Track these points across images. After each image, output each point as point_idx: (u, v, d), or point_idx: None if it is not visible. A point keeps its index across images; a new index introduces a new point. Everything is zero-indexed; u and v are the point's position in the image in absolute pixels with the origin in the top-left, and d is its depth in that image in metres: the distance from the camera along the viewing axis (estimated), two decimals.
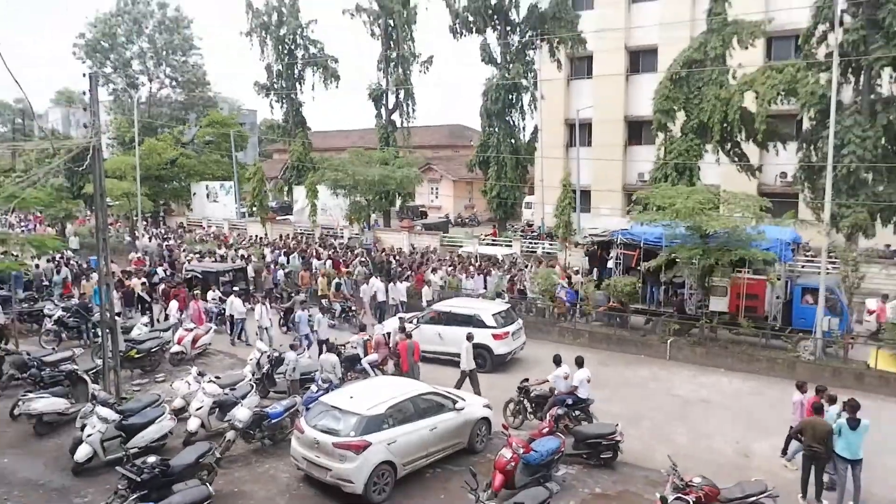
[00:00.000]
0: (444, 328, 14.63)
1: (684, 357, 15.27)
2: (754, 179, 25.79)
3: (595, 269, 18.86)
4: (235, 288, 18.06)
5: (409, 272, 21.63)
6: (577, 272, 20.30)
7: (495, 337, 14.14)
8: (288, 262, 23.55)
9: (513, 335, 14.71)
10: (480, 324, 14.29)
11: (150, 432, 9.99)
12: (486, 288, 19.64)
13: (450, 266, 22.11)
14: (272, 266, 22.46)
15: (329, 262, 23.14)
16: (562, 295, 18.07)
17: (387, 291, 18.54)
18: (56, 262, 21.52)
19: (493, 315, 14.63)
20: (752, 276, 15.55)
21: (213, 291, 18.12)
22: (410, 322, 14.71)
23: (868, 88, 20.17)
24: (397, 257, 24.62)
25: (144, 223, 38.30)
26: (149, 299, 18.45)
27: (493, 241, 29.06)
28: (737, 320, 15.40)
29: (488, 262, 22.82)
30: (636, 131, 33.51)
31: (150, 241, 30.53)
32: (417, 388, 10.20)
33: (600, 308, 17.44)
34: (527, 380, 11.70)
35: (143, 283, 18.86)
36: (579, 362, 11.20)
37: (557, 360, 11.38)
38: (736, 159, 24.12)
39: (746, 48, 22.43)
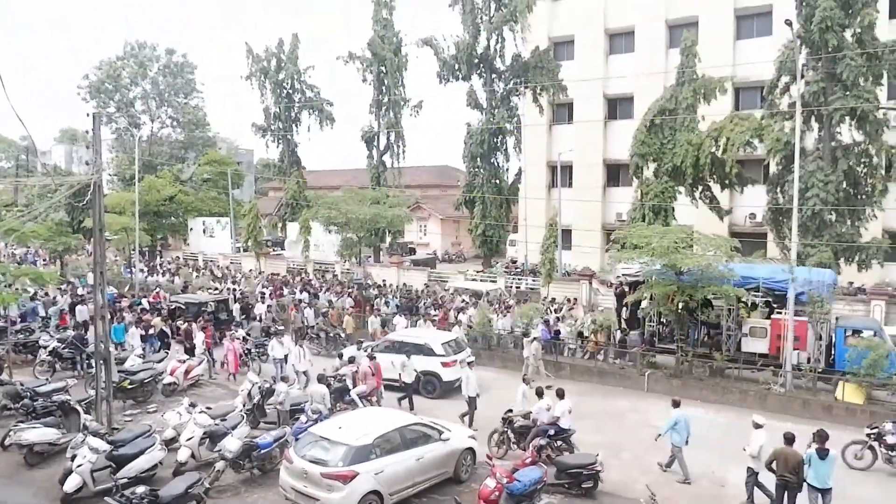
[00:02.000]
0: (396, 356, 15.11)
1: (661, 389, 15.59)
2: (726, 218, 26.83)
3: (624, 309, 18.09)
4: (221, 317, 18.08)
5: (434, 311, 21.47)
6: (601, 310, 20.21)
7: (444, 365, 14.69)
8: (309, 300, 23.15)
9: (460, 363, 15.12)
10: (430, 352, 14.84)
11: (141, 462, 9.96)
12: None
13: (475, 305, 21.60)
14: (299, 304, 22.08)
15: (349, 300, 22.92)
16: (538, 332, 17.87)
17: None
18: (65, 295, 21.64)
19: (443, 344, 15.23)
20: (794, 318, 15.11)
21: (235, 330, 17.67)
22: (364, 350, 15.26)
23: (829, 136, 21.39)
24: (425, 296, 24.27)
25: (159, 257, 38.49)
26: (170, 334, 18.36)
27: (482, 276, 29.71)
28: (778, 362, 15.13)
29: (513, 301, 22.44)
30: (614, 174, 34.89)
31: (162, 275, 30.31)
32: (404, 419, 10.38)
33: (635, 349, 17.01)
34: (510, 411, 11.91)
35: (166, 319, 18.91)
36: (560, 394, 11.51)
37: (540, 392, 11.66)
38: (707, 201, 25.19)
39: (709, 103, 23.64)
